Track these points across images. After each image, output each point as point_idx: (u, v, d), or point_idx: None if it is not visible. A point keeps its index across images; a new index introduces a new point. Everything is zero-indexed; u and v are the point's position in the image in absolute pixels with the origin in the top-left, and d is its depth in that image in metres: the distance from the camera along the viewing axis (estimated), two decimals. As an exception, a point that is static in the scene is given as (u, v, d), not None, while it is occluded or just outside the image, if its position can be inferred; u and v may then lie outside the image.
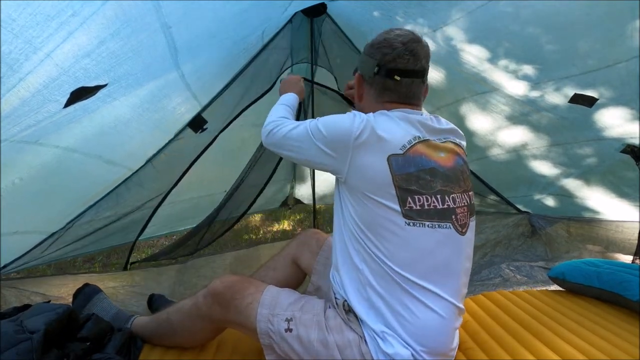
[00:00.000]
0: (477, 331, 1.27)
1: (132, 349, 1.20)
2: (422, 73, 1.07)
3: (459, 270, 1.01)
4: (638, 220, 2.14)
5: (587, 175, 2.19)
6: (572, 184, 2.29)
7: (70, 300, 1.45)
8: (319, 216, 3.39)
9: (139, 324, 1.28)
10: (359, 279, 1.00)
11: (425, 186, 0.97)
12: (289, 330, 1.02)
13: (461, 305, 1.02)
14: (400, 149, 0.97)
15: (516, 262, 2.37)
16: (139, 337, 1.25)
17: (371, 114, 1.03)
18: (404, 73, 1.04)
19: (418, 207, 0.96)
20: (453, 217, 1.00)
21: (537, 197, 2.57)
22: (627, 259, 2.19)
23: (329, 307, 1.08)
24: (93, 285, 1.46)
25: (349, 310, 1.02)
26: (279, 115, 1.25)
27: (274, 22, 1.80)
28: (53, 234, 1.75)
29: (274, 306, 1.06)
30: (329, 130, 1.02)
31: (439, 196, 0.98)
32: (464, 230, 1.02)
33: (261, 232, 3.27)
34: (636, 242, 2.09)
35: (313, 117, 2.46)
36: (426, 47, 1.08)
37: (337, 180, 1.09)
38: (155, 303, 1.65)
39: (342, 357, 0.98)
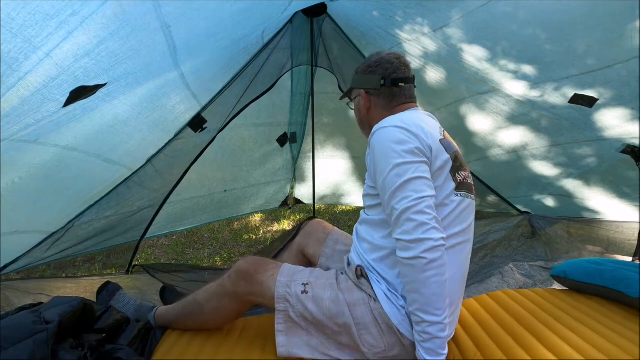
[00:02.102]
0: (478, 332, 1.27)
1: (152, 339, 1.26)
2: (414, 79, 1.29)
3: (473, 235, 1.19)
4: (638, 220, 2.14)
5: (587, 176, 2.19)
6: (572, 184, 2.29)
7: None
8: (318, 216, 3.40)
9: (164, 310, 1.37)
10: (389, 250, 1.12)
11: (461, 163, 1.15)
12: (305, 292, 1.15)
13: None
14: (441, 135, 1.13)
15: (516, 262, 2.37)
16: (164, 323, 1.34)
17: (396, 119, 1.11)
18: (405, 80, 1.24)
19: (460, 180, 1.12)
20: (472, 189, 1.18)
21: (537, 197, 2.57)
22: (627, 259, 2.19)
23: (341, 274, 1.23)
24: (114, 283, 1.55)
25: (360, 275, 1.15)
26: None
27: (274, 22, 1.80)
28: (53, 234, 1.75)
29: (291, 275, 1.20)
30: (399, 143, 1.05)
31: (464, 171, 1.16)
32: (475, 203, 1.20)
33: (261, 232, 3.27)
34: (636, 242, 2.08)
35: (313, 119, 2.47)
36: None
37: None
38: (167, 296, 1.71)
39: (351, 313, 1.11)
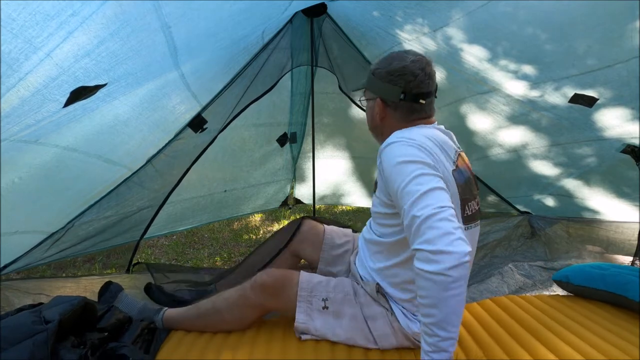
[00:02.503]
0: (481, 334, 1.27)
1: (156, 338, 1.28)
2: (436, 90, 1.18)
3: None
4: (638, 220, 2.14)
5: (587, 176, 2.19)
6: (572, 184, 2.29)
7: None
8: (318, 216, 3.40)
9: (173, 313, 1.37)
10: (400, 279, 1.16)
11: (470, 193, 1.11)
12: (325, 308, 1.23)
13: None
14: (453, 165, 1.09)
15: (516, 262, 2.37)
16: (173, 326, 1.35)
17: (413, 135, 1.04)
18: (427, 95, 1.13)
19: (469, 213, 1.11)
20: (478, 215, 1.17)
21: (537, 197, 2.57)
22: (627, 259, 2.19)
23: (357, 284, 1.28)
24: (116, 283, 1.55)
25: (378, 290, 1.20)
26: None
27: (274, 22, 1.80)
28: (53, 234, 1.75)
29: (311, 289, 1.26)
30: (413, 157, 0.99)
31: (474, 200, 1.14)
32: (479, 228, 1.19)
33: (261, 232, 3.27)
34: (636, 242, 2.08)
35: (313, 119, 2.47)
36: (433, 65, 1.17)
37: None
38: (155, 293, 1.73)
39: (370, 326, 1.19)
